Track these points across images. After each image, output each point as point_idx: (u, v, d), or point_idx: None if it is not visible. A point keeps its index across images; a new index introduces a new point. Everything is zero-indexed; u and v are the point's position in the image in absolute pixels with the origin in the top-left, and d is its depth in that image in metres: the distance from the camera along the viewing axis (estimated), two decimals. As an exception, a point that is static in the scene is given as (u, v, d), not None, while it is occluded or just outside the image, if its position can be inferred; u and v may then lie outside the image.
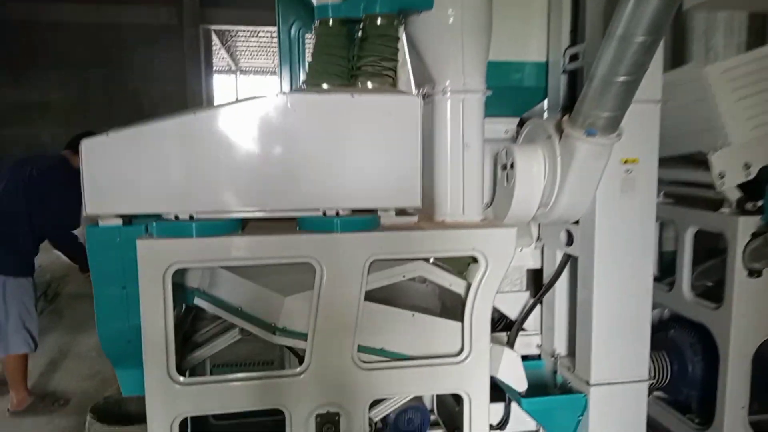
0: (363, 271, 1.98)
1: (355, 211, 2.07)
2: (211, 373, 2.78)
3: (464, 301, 2.12)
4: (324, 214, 2.02)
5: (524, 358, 2.73)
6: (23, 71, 10.60)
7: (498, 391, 2.47)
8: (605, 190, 2.32)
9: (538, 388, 2.71)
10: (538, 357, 2.92)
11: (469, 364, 2.11)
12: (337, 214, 2.02)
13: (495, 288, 2.10)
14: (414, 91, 2.10)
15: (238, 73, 18.04)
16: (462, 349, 2.13)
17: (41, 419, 3.26)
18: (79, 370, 3.87)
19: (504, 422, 2.84)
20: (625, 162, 2.37)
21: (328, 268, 1.96)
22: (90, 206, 1.93)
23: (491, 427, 2.28)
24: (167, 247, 1.89)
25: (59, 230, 3.62)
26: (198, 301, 2.19)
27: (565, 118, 2.22)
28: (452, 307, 2.25)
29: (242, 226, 2.02)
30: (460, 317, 2.13)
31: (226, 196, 1.96)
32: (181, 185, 1.93)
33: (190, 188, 1.94)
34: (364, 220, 2.04)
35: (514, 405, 2.73)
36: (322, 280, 1.97)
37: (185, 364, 2.35)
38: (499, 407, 2.82)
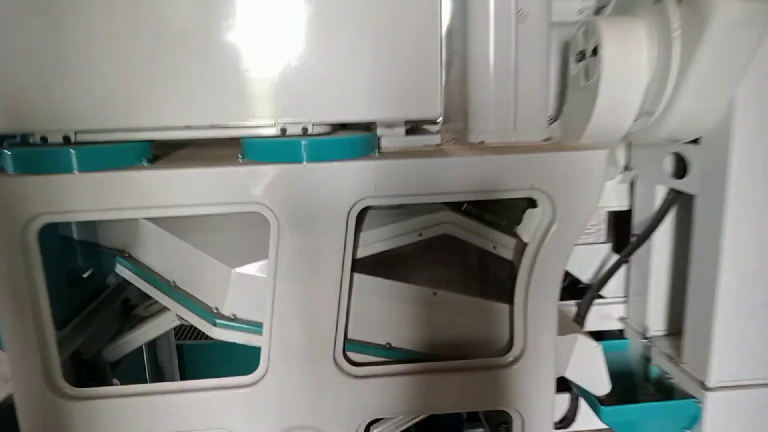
0: (347, 225, 1.22)
1: (338, 128, 1.29)
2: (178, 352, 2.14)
3: (516, 271, 1.32)
4: (283, 132, 1.23)
5: (600, 336, 1.96)
6: None
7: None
8: (751, 86, 1.50)
9: (621, 380, 1.91)
10: (621, 334, 2.11)
11: (521, 369, 1.36)
12: (305, 132, 1.24)
13: (568, 250, 1.31)
14: None
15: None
16: (511, 346, 1.35)
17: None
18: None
19: (569, 420, 2.11)
20: (785, 40, 1.45)
21: (289, 221, 1.20)
22: None
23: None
24: (27, 189, 1.19)
25: None
26: (120, 270, 1.50)
27: (694, -40, 1.32)
28: (497, 281, 1.45)
29: (152, 156, 1.27)
30: (508, 296, 1.34)
31: (124, 103, 1.22)
32: (49, 87, 1.20)
33: (64, 91, 1.20)
34: (350, 140, 1.25)
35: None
36: (279, 240, 1.21)
37: (122, 349, 1.71)
38: (563, 398, 2.08)
